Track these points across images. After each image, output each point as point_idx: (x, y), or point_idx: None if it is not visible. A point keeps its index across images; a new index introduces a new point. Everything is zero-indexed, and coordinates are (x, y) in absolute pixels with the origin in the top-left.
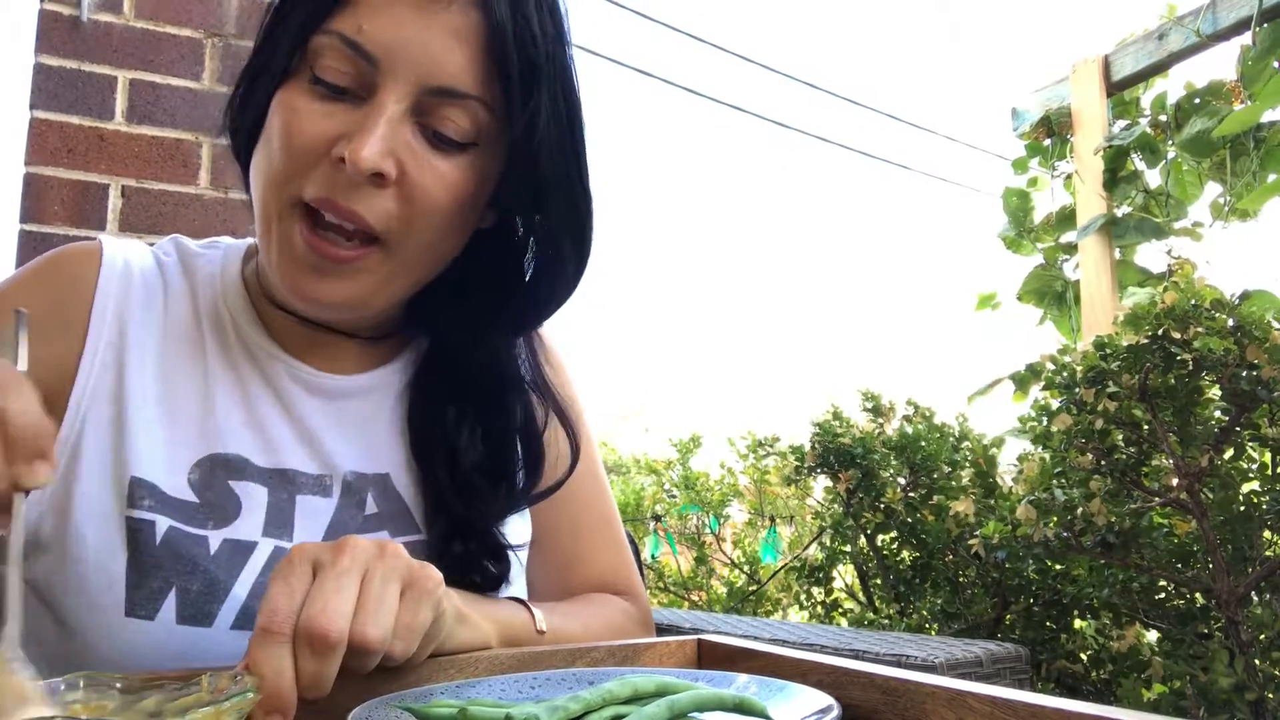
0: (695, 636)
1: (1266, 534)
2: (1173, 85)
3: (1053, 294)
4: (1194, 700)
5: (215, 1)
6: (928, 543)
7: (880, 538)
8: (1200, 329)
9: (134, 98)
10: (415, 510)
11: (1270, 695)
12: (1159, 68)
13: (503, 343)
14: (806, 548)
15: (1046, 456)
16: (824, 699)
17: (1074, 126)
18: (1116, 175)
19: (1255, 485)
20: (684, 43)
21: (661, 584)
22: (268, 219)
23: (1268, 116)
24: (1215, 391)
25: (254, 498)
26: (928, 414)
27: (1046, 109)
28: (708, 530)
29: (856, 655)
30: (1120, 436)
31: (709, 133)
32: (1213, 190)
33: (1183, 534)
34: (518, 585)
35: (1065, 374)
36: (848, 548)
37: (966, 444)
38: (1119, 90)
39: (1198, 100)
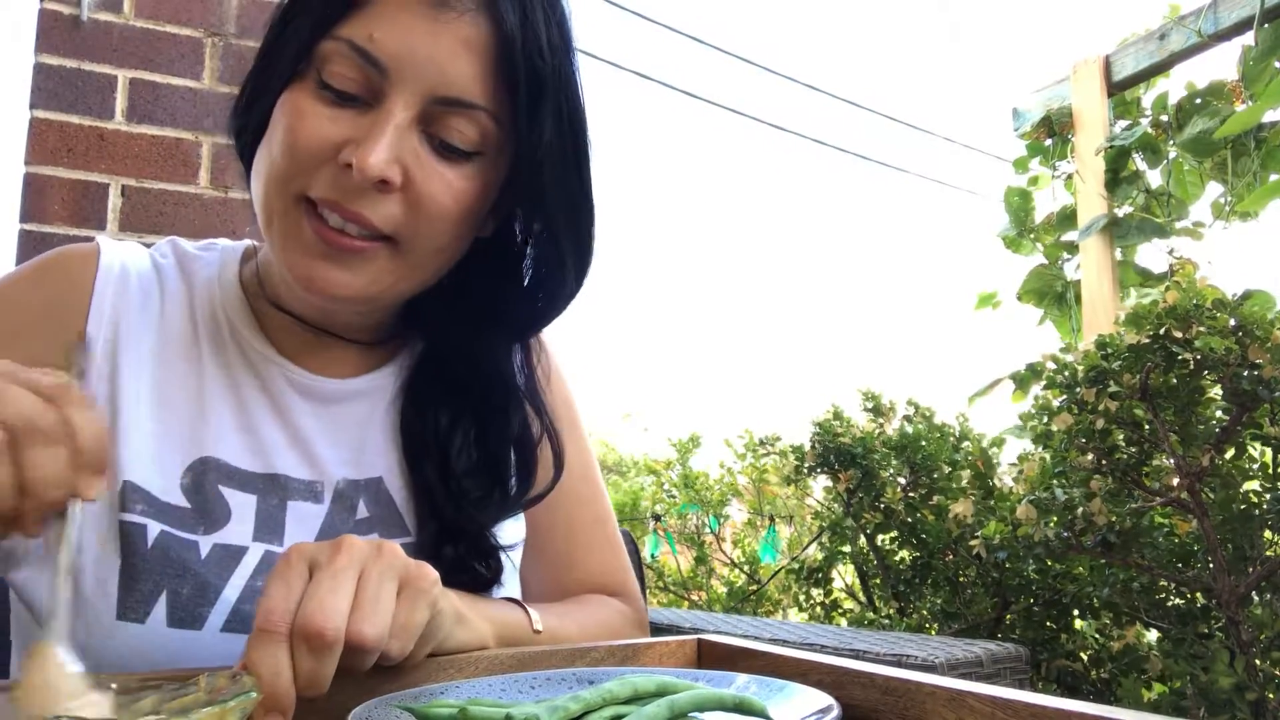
0: (695, 636)
1: (1267, 534)
2: (1174, 85)
3: (1053, 294)
4: (1194, 700)
5: (215, 1)
6: (928, 543)
7: (880, 538)
8: (1202, 328)
9: (134, 97)
10: (406, 514)
11: (1270, 695)
12: (1160, 68)
13: (501, 349)
14: (806, 548)
15: (1047, 456)
16: (824, 699)
17: (1075, 126)
18: (1118, 175)
19: (1256, 485)
20: (683, 44)
21: (661, 584)
22: (270, 214)
23: (1269, 116)
24: (1216, 391)
25: (244, 503)
26: (928, 414)
27: (1047, 109)
28: (707, 530)
29: (856, 655)
30: (1121, 436)
31: (708, 135)
32: (1214, 190)
33: (1183, 534)
34: (510, 586)
35: (1066, 373)
36: (847, 548)
37: (967, 444)
38: (1120, 90)
39: (1199, 100)
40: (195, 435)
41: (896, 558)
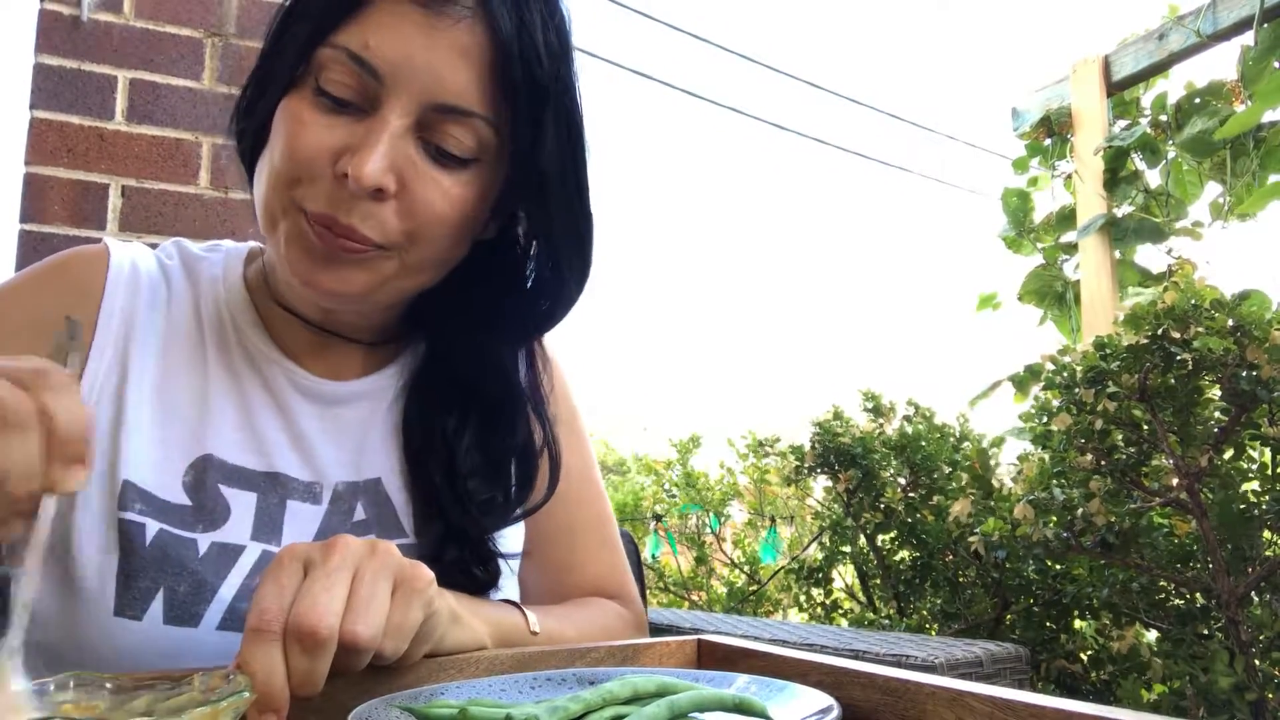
0: (695, 636)
1: (1266, 534)
2: (1173, 85)
3: (1053, 294)
4: (1194, 700)
5: (215, 1)
6: (928, 543)
7: (880, 538)
8: (1200, 329)
9: (134, 97)
10: (404, 515)
11: (1270, 695)
12: (1159, 68)
13: (503, 352)
14: (806, 548)
15: (1046, 456)
16: (824, 699)
17: (1074, 126)
18: (1117, 175)
19: (1255, 485)
20: (683, 42)
21: (661, 584)
22: (272, 217)
23: (1268, 117)
24: (1215, 391)
25: (243, 502)
26: (928, 414)
27: (1047, 109)
28: (708, 530)
29: (856, 655)
30: (1120, 436)
31: (708, 134)
32: (1213, 190)
33: (1183, 534)
34: (507, 591)
35: (1065, 374)
36: (847, 548)
37: (967, 444)
38: (1119, 90)
39: (1198, 100)
40: (198, 433)
41: (896, 558)
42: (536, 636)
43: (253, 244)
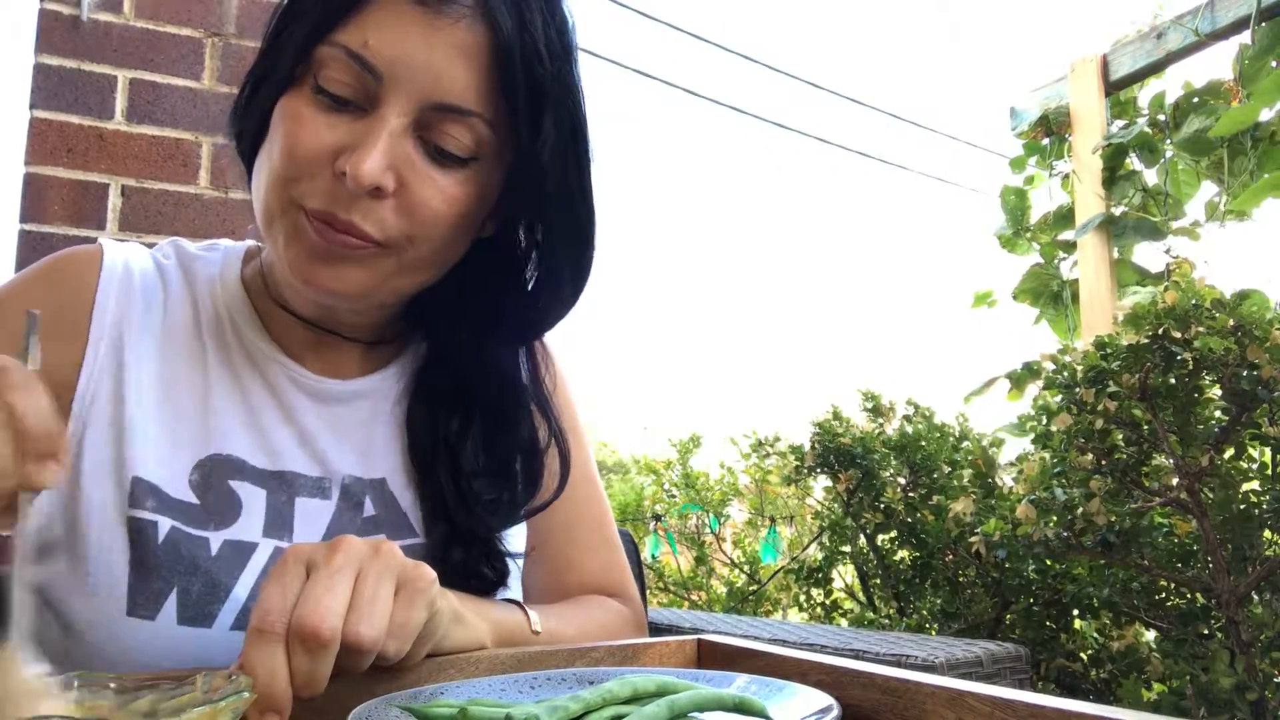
0: (695, 636)
1: (1266, 534)
2: (1170, 85)
3: (1049, 293)
4: (1194, 700)
5: (215, 1)
6: (927, 542)
7: (880, 538)
8: (1201, 329)
9: (134, 97)
10: (412, 515)
11: (1270, 695)
12: (1157, 67)
13: (504, 351)
14: (806, 548)
15: (1046, 456)
16: (824, 699)
17: (1072, 125)
18: (1115, 174)
19: (1255, 485)
20: (683, 42)
21: (661, 584)
22: (271, 215)
23: (1266, 115)
24: (1215, 391)
25: (253, 499)
26: (928, 414)
27: (1045, 108)
28: (708, 530)
29: (856, 655)
30: (1120, 436)
31: (710, 133)
32: (1210, 190)
33: (1183, 534)
34: (513, 591)
35: (1066, 374)
36: (847, 548)
37: (966, 444)
38: (1117, 89)
39: (1196, 100)
40: (202, 432)
41: (896, 558)
42: (538, 635)
43: (250, 243)
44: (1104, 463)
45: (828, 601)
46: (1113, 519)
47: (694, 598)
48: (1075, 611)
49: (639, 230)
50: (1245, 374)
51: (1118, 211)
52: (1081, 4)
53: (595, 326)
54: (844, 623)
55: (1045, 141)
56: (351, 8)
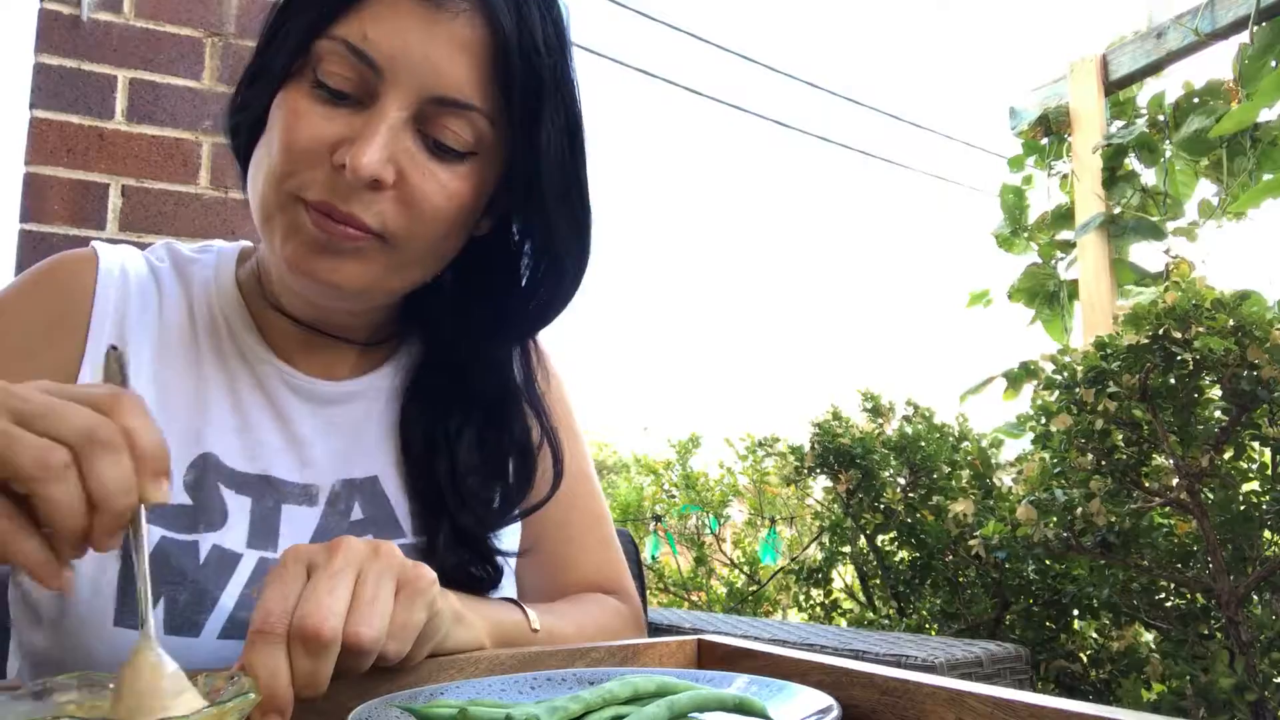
0: (695, 637)
1: (1266, 534)
2: (1170, 85)
3: (1044, 293)
4: (1194, 700)
5: (215, 1)
6: (927, 543)
7: (880, 538)
8: (1201, 329)
9: (134, 97)
10: (401, 513)
11: (1270, 696)
12: (1157, 66)
13: (499, 350)
14: (806, 548)
15: (1046, 457)
16: (824, 699)
17: (1072, 125)
18: (1115, 174)
19: (1255, 485)
20: (683, 41)
21: (661, 584)
22: (268, 211)
23: (1265, 115)
24: (1216, 391)
25: (239, 507)
26: (927, 414)
27: (1044, 107)
28: (708, 530)
29: (856, 655)
30: (1120, 437)
31: (708, 132)
32: (1209, 190)
33: (1183, 534)
34: (505, 589)
35: (1065, 374)
36: (847, 548)
37: (966, 444)
38: (1117, 89)
39: (1196, 100)
40: (195, 433)
41: (896, 558)
42: (537, 634)
43: (244, 244)
44: (1104, 463)
45: (827, 602)
46: (1113, 519)
47: (694, 598)
48: (1075, 612)
49: (639, 229)
50: (1245, 374)
51: (1116, 211)
52: (1081, 4)
53: (596, 326)
54: (844, 623)
55: (1044, 141)
56: (351, 2)
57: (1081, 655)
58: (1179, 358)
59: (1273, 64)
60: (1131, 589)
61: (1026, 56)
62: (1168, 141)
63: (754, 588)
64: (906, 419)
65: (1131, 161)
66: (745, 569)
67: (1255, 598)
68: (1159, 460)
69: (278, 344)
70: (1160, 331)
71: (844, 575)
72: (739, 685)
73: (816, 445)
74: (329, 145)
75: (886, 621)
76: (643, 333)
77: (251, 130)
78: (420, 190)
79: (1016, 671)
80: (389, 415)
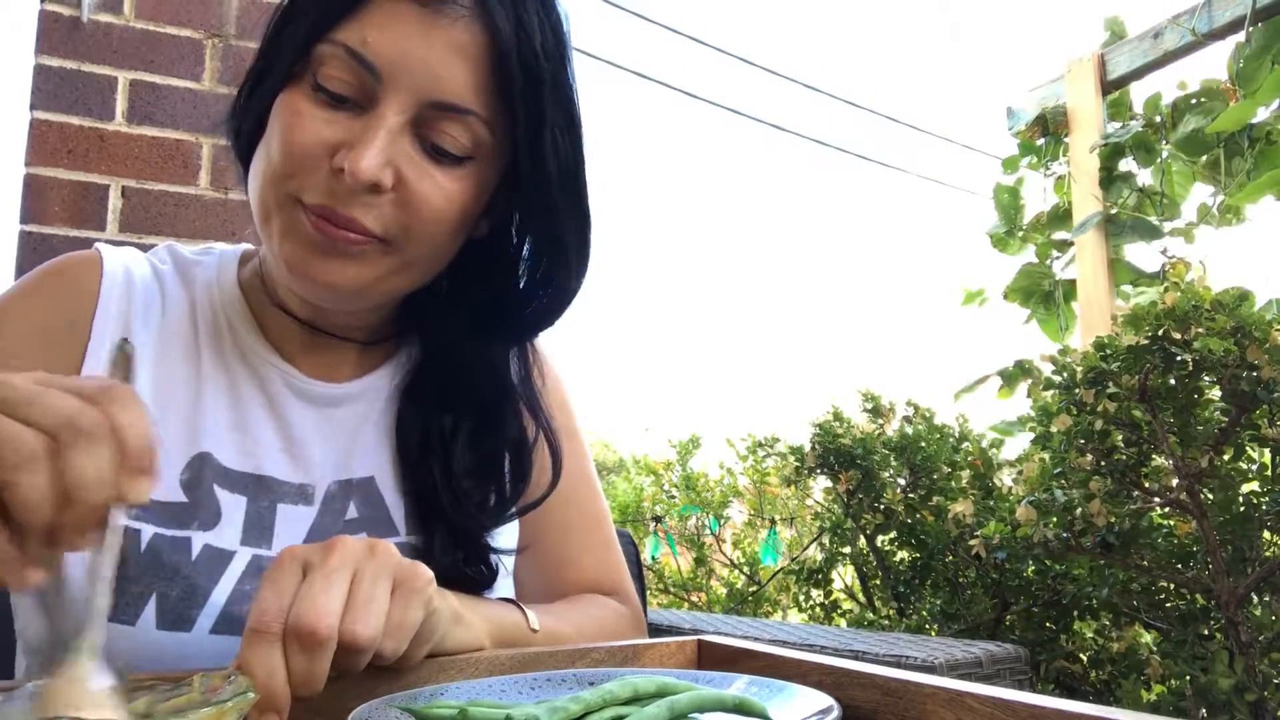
0: (695, 637)
1: (1266, 534)
2: (1166, 86)
3: (1040, 293)
4: (1194, 701)
5: (215, 1)
6: (927, 543)
7: (880, 538)
8: (1200, 330)
9: (134, 98)
10: (396, 513)
11: (1269, 696)
12: (1154, 66)
13: (497, 352)
14: (806, 549)
15: (1046, 457)
16: (824, 699)
17: (1069, 125)
18: (1112, 174)
19: (1255, 485)
20: (681, 44)
21: (661, 585)
22: (267, 211)
23: (1262, 115)
24: (1215, 392)
25: (234, 506)
26: (928, 414)
27: (1042, 107)
28: (707, 531)
29: (856, 656)
30: (1120, 437)
31: (706, 135)
32: (1204, 191)
33: (1183, 534)
34: (503, 589)
35: (1065, 375)
36: (847, 549)
37: (966, 444)
38: (1114, 89)
39: (1193, 100)
40: (192, 432)
41: (896, 558)
42: (536, 634)
43: (246, 246)
44: (1104, 464)
45: (827, 602)
46: (1112, 520)
47: (694, 599)
48: (1075, 612)
49: (638, 232)
50: (1245, 375)
51: (1113, 211)
52: (1082, 4)
53: (597, 328)
54: (844, 623)
55: (1041, 141)
56: (351, 6)
57: (1081, 656)
58: (1179, 358)
59: (1271, 64)
60: (1131, 589)
61: (1025, 59)
62: (1165, 142)
63: (754, 588)
64: (907, 419)
65: (1128, 162)
66: (745, 570)
67: (1255, 598)
68: (1159, 461)
69: (280, 345)
70: (1160, 332)
71: (844, 576)
72: (739, 686)
73: (817, 446)
74: (328, 148)
75: (886, 622)
76: (643, 333)
77: (252, 132)
78: (419, 193)
79: (1016, 672)
80: (387, 416)
